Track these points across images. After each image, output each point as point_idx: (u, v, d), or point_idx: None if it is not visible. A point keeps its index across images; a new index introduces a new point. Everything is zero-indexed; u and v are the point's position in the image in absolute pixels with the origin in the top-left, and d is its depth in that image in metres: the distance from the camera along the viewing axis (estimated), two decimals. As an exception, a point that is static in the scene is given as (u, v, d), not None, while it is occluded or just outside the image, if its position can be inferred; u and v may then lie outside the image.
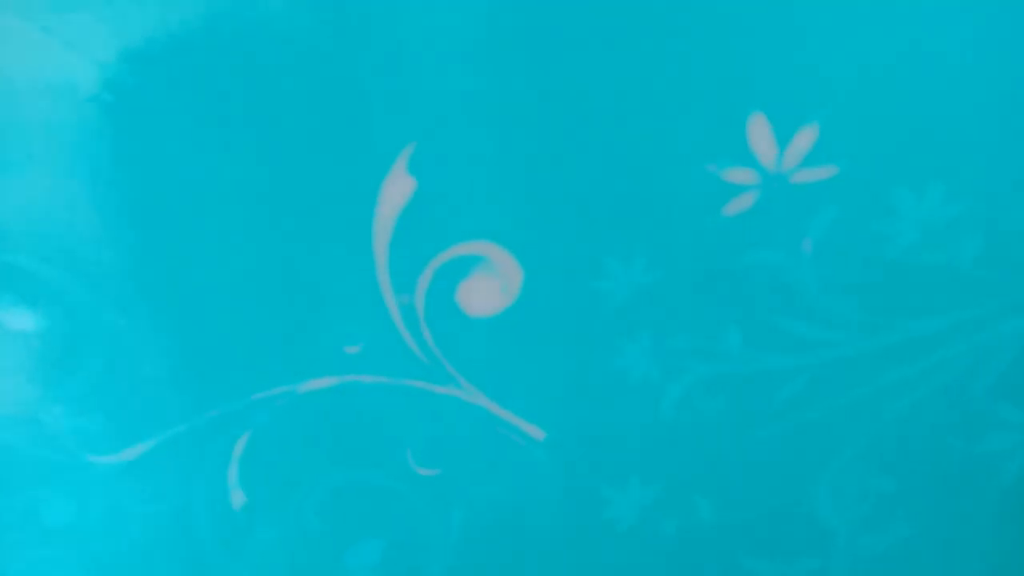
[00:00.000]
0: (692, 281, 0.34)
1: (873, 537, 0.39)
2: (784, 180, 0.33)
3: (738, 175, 0.33)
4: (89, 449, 0.35)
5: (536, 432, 0.36)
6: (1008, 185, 0.33)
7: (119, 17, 0.30)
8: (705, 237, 0.34)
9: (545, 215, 0.33)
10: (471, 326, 0.34)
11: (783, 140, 0.32)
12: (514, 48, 0.31)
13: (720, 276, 0.34)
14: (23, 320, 0.33)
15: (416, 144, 0.32)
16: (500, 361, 0.35)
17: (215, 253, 0.33)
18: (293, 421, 0.36)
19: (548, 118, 0.32)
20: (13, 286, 0.33)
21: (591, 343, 0.35)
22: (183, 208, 0.32)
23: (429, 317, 0.34)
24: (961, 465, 0.37)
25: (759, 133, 0.32)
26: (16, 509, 0.36)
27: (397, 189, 0.32)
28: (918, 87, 0.32)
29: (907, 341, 0.35)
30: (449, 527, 0.37)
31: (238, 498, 0.36)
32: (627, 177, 0.33)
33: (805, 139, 0.32)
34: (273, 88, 0.31)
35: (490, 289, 0.33)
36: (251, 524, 0.37)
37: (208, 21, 0.30)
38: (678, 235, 0.34)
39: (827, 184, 0.33)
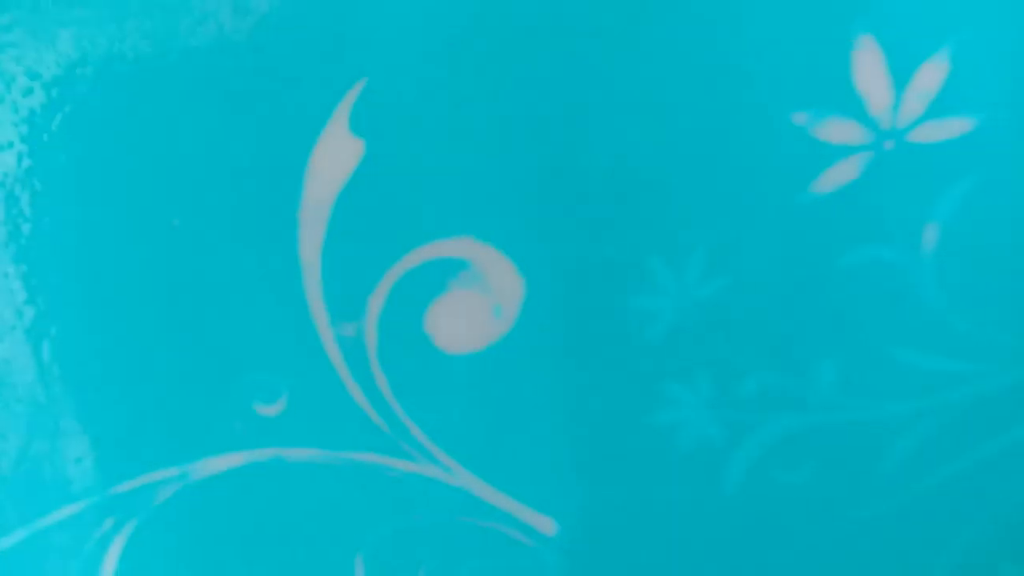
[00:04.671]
0: (771, 293, 0.24)
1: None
2: (902, 138, 0.23)
3: (838, 130, 0.23)
4: None
5: (545, 525, 0.25)
6: None
7: None
8: (789, 227, 0.24)
9: (556, 198, 0.23)
10: (449, 368, 0.24)
11: (900, 80, 0.22)
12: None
13: (809, 285, 0.24)
14: None
15: (364, 87, 0.21)
16: (492, 421, 0.24)
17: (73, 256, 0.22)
18: (184, 521, 0.25)
19: (559, 53, 0.22)
20: None
21: (625, 391, 0.24)
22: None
23: (385, 357, 0.23)
24: None
25: (869, 68, 0.22)
26: None
27: (335, 159, 0.21)
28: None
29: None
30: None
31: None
32: (677, 139, 0.23)
33: (932, 78, 0.22)
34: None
35: (476, 310, 0.23)
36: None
37: None
38: (750, 225, 0.24)
39: (963, 144, 0.23)
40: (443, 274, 0.23)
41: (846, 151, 0.23)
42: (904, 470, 0.26)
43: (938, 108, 0.23)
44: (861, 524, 0.27)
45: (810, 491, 0.26)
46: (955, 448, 0.26)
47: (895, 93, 0.23)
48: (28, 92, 0.21)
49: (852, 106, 0.23)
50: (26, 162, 0.22)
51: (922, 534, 0.27)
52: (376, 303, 0.23)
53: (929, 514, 0.27)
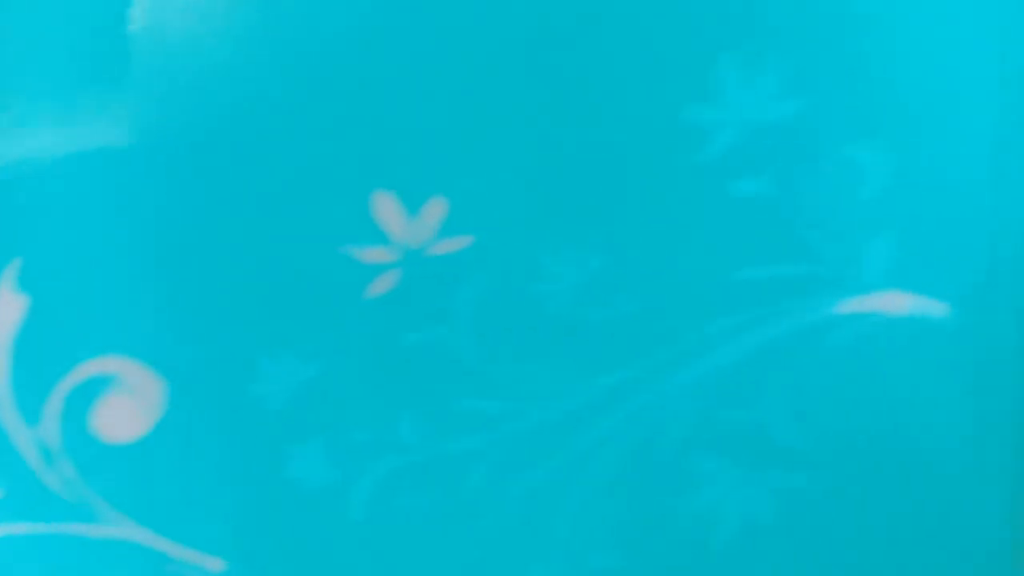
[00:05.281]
0: (356, 370, 0.33)
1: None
2: (422, 254, 0.32)
3: (374, 254, 0.32)
4: None
5: (215, 564, 0.33)
6: (648, 238, 0.34)
7: None
8: (356, 322, 0.33)
9: (180, 315, 0.32)
10: (117, 454, 0.32)
11: (412, 215, 0.32)
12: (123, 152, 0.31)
13: (383, 360, 0.33)
14: None
15: (23, 259, 0.30)
16: (157, 489, 0.32)
17: None
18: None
19: (165, 204, 0.31)
20: None
21: (258, 454, 0.33)
22: None
23: (68, 450, 0.32)
24: (679, 526, 0.36)
25: (386, 210, 0.32)
26: None
27: (4, 312, 0.30)
28: (548, 149, 0.32)
29: (590, 402, 0.34)
30: None
31: None
32: (263, 265, 0.32)
33: (434, 212, 0.32)
34: None
35: (128, 410, 0.31)
36: None
37: None
38: (328, 323, 0.33)
39: (467, 254, 0.33)
40: (100, 385, 0.31)
41: (384, 267, 0.32)
42: (484, 492, 0.35)
43: (445, 231, 0.32)
44: (465, 535, 0.35)
45: (417, 513, 0.34)
46: (521, 467, 0.35)
47: (409, 224, 0.32)
48: None
49: (380, 237, 0.32)
50: None
51: (514, 539, 0.35)
52: (54, 411, 0.31)
53: (516, 523, 0.35)
